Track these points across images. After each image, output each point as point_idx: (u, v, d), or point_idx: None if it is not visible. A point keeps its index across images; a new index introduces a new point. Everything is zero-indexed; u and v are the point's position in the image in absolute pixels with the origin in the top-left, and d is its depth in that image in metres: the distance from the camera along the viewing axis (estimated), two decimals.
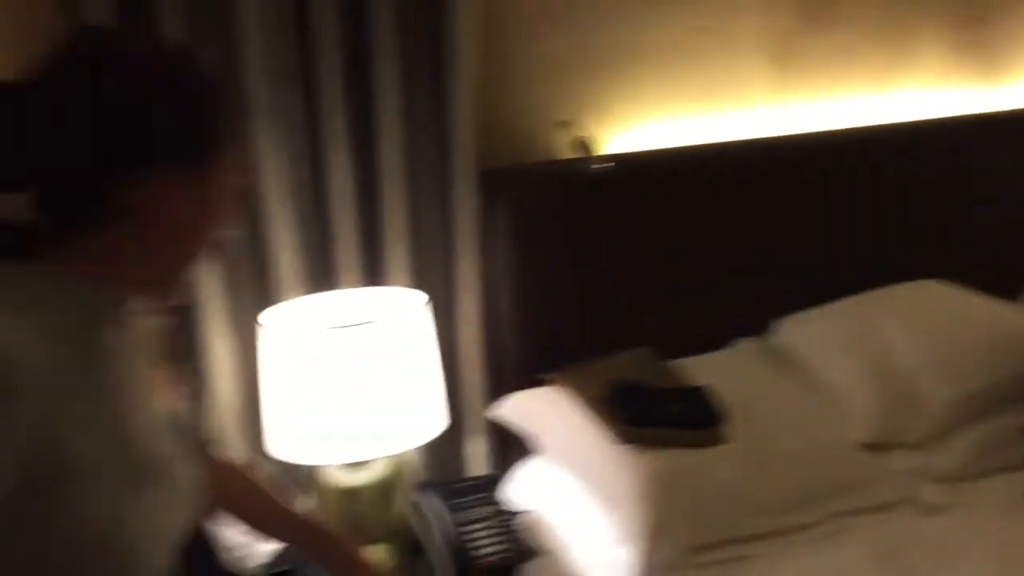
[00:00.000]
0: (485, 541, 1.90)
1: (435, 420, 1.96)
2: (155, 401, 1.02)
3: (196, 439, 1.16)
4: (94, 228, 0.86)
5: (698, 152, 2.37)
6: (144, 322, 1.02)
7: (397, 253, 2.08)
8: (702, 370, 2.20)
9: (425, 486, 2.03)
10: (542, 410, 2.11)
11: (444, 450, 2.20)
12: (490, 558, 1.86)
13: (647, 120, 2.37)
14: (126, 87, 0.84)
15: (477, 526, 1.92)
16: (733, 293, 2.40)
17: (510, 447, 2.22)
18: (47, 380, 0.80)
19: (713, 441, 1.97)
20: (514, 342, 2.21)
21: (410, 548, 1.95)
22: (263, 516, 1.30)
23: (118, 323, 0.93)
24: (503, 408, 2.16)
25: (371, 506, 1.90)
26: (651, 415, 2.00)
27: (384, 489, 1.95)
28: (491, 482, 2.07)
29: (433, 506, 1.95)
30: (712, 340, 2.35)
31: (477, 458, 2.23)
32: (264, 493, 1.30)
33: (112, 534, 0.86)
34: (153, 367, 1.04)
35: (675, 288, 2.33)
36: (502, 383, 2.21)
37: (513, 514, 1.98)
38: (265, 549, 1.80)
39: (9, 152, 0.84)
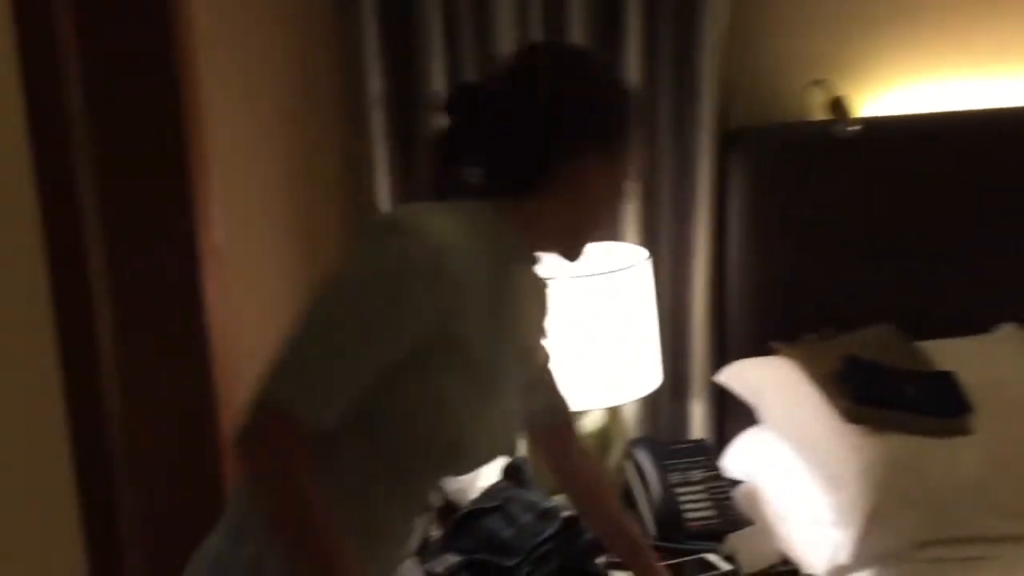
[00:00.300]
0: (696, 504, 1.88)
1: (652, 378, 1.96)
2: (529, 345, 1.21)
3: (545, 397, 1.31)
4: (530, 193, 1.10)
5: (966, 118, 2.16)
6: (542, 280, 1.23)
7: (629, 210, 2.07)
8: (954, 354, 2.03)
9: (641, 443, 2.03)
10: (768, 379, 2.04)
11: (664, 410, 2.19)
12: (699, 522, 1.84)
13: (909, 81, 2.19)
14: (578, 88, 1.08)
15: (689, 488, 1.90)
16: (998, 274, 2.18)
17: (731, 414, 2.17)
18: (466, 280, 1.03)
19: (955, 431, 1.82)
20: (743, 307, 2.14)
21: (621, 501, 1.97)
22: (593, 505, 1.40)
23: (525, 268, 1.16)
24: (727, 373, 2.11)
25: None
26: (886, 397, 1.87)
27: (600, 440, 1.98)
28: (708, 446, 2.03)
29: (647, 463, 1.95)
30: (969, 323, 2.15)
31: (696, 421, 2.20)
32: (602, 486, 1.41)
33: (452, 421, 1.05)
34: (540, 319, 1.25)
35: (928, 265, 2.16)
36: (728, 348, 2.16)
37: (728, 481, 1.94)
38: (478, 486, 1.88)
39: (481, 132, 1.10)
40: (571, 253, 1.17)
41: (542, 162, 1.08)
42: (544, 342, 1.31)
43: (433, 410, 1.04)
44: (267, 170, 1.99)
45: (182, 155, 1.52)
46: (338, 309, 1.00)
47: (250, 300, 2.05)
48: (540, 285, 1.24)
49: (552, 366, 1.35)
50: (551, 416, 1.35)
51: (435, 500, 1.80)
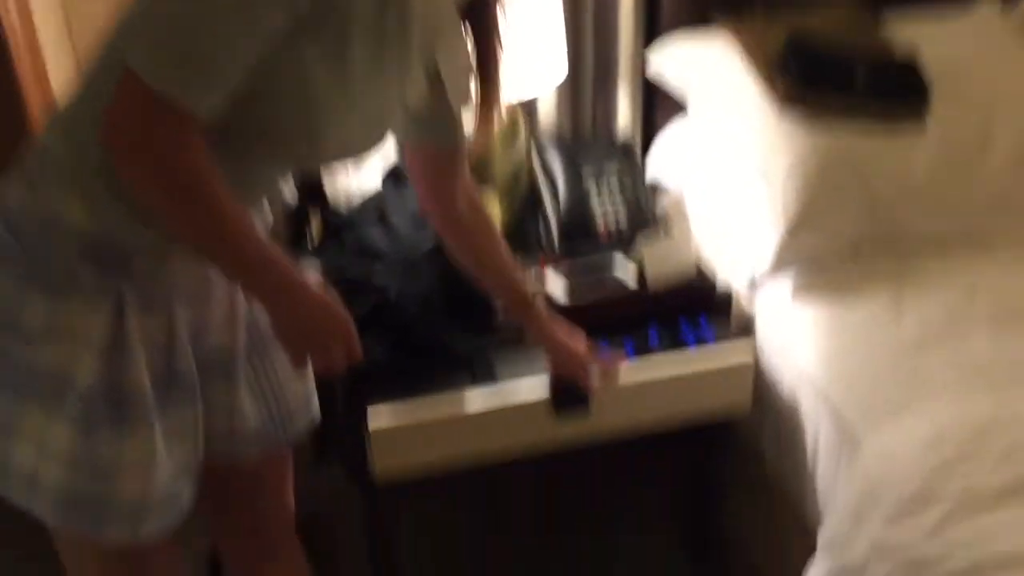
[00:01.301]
0: (608, 206, 1.67)
1: (560, 68, 1.68)
2: (427, 50, 1.04)
3: (433, 116, 1.13)
4: None
5: None
6: None
7: None
8: (921, 34, 1.74)
9: (553, 141, 1.79)
10: (702, 60, 1.75)
11: (587, 102, 1.91)
12: (609, 228, 1.64)
13: None
14: None
15: (604, 188, 1.68)
16: None
17: (663, 106, 1.90)
18: None
19: (905, 117, 1.59)
20: None
21: (528, 203, 1.76)
22: (476, 257, 1.28)
23: None
24: (657, 56, 1.81)
25: (491, 154, 1.70)
26: (832, 79, 1.62)
27: (506, 138, 1.73)
28: (629, 145, 1.78)
29: (557, 164, 1.72)
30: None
31: (624, 114, 1.93)
32: (497, 240, 1.28)
33: (310, 110, 0.95)
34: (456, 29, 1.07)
35: None
36: (659, 24, 1.84)
37: (647, 184, 1.72)
38: (359, 186, 1.67)
39: None
40: None
41: None
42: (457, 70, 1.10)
43: (293, 94, 0.93)
44: None
45: None
46: None
47: None
48: None
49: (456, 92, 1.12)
50: (435, 138, 1.16)
51: (287, 195, 1.62)
